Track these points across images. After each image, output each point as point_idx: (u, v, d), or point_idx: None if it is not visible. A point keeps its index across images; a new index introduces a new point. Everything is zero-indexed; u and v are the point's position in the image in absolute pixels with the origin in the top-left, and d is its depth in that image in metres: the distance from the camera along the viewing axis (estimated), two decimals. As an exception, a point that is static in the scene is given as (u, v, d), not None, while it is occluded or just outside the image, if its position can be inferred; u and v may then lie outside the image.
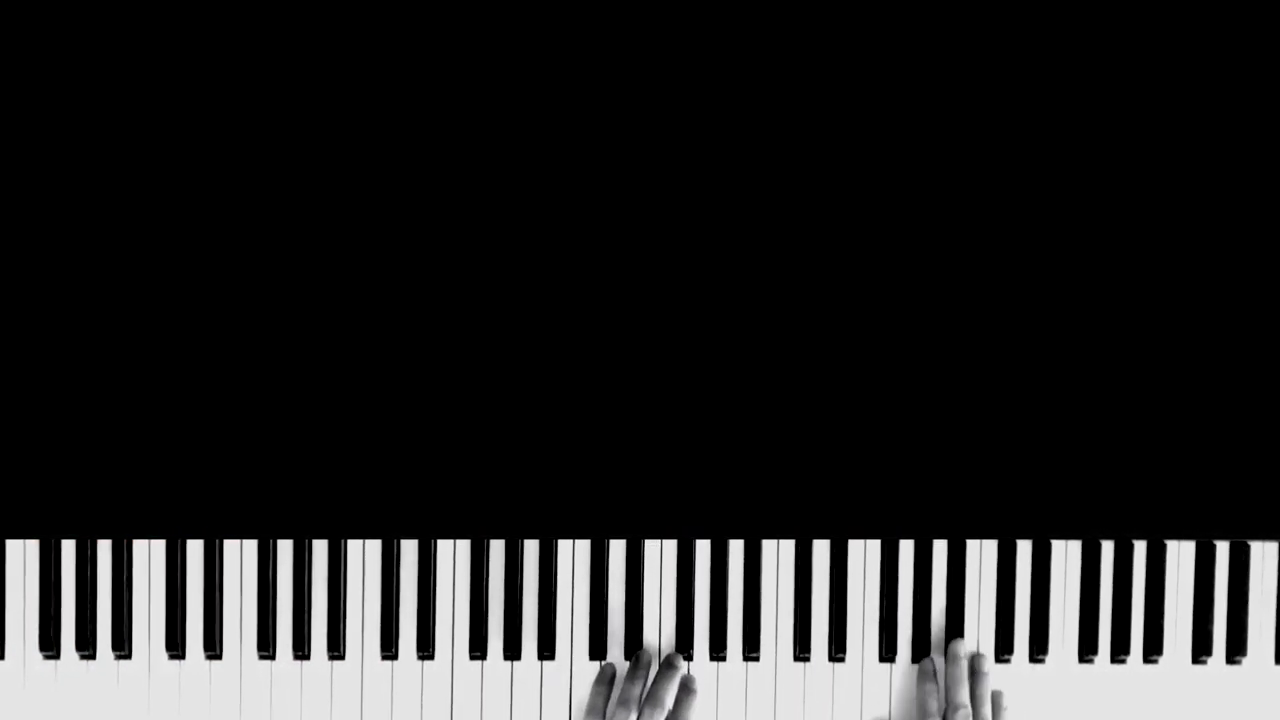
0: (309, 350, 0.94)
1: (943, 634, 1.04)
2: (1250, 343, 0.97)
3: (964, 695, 1.00)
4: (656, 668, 1.02)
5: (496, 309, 0.95)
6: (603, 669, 1.02)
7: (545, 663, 1.03)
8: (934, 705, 1.01)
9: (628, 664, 1.02)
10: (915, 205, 0.96)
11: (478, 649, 1.02)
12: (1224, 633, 1.05)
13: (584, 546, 1.03)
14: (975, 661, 1.02)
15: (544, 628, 1.02)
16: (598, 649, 1.02)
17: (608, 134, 0.95)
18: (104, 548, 1.01)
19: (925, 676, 1.02)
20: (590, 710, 0.99)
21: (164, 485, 0.94)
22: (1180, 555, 1.05)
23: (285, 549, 1.02)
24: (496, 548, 1.03)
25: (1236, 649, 1.05)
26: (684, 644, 1.03)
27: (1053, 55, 0.96)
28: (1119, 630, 1.05)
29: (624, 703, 0.98)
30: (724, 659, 1.03)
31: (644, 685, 1.00)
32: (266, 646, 1.01)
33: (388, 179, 0.94)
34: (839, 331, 0.96)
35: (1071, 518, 0.97)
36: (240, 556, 1.02)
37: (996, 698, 1.02)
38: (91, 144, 0.93)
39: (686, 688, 1.01)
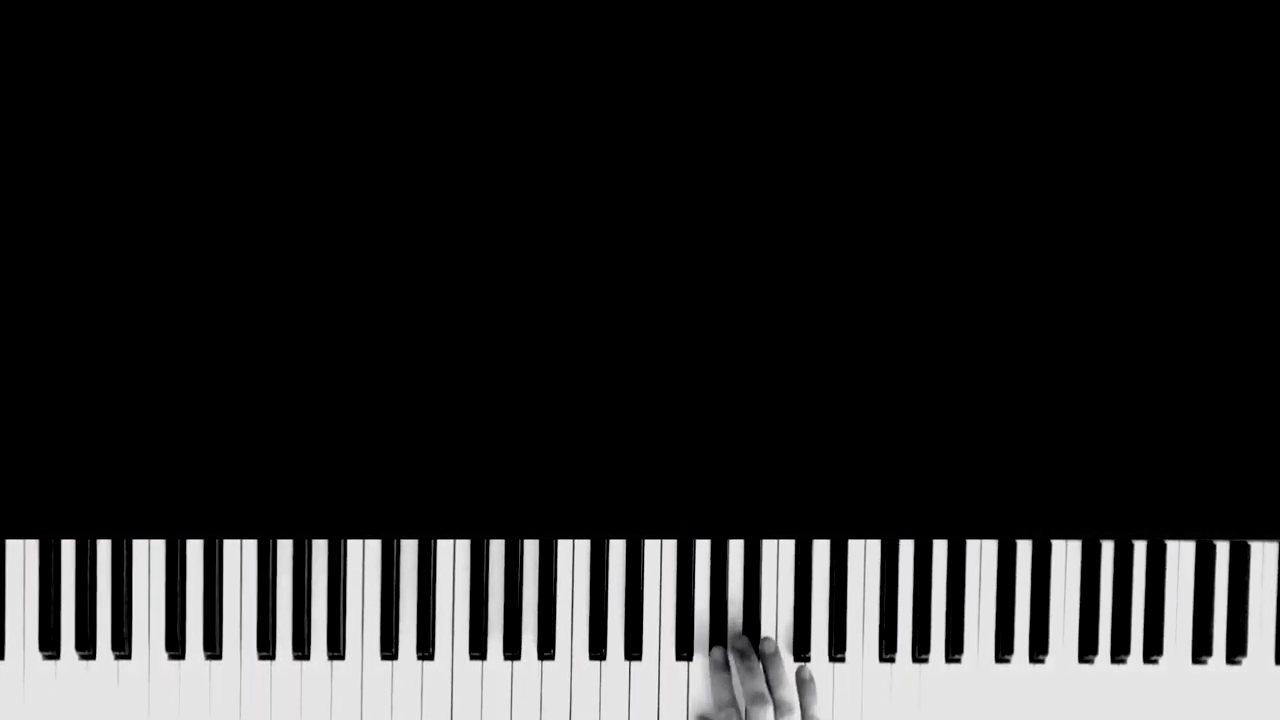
0: (309, 350, 0.94)
1: (944, 634, 1.04)
2: (1250, 343, 0.97)
3: (759, 684, 0.98)
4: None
5: (497, 310, 0.95)
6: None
7: (545, 663, 1.03)
8: (727, 695, 1.00)
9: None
10: (915, 205, 0.96)
11: (478, 649, 1.02)
12: (1224, 633, 1.05)
13: (584, 546, 1.03)
14: (763, 645, 1.01)
15: (544, 628, 1.02)
16: (598, 649, 1.02)
17: (610, 134, 0.95)
18: (104, 548, 1.01)
19: (717, 667, 1.01)
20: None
21: (164, 485, 0.94)
22: (1180, 555, 1.05)
23: (285, 549, 1.02)
24: (496, 548, 1.03)
25: (1237, 649, 1.05)
26: (684, 644, 1.03)
27: (1050, 55, 0.95)
28: (1119, 630, 1.05)
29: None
30: (724, 659, 1.03)
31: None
32: (266, 646, 1.01)
33: (388, 180, 0.94)
34: (839, 332, 0.96)
35: (1072, 518, 0.97)
36: (240, 556, 1.02)
37: (800, 672, 1.01)
38: (91, 144, 0.93)
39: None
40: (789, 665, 1.03)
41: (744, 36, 0.95)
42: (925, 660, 1.04)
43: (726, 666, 1.01)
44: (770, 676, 0.99)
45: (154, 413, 0.94)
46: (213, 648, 1.01)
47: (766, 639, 1.01)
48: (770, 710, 0.96)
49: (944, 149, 0.96)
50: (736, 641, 1.01)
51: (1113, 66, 0.96)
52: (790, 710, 0.97)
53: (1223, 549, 1.05)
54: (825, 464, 0.96)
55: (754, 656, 1.00)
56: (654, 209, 0.95)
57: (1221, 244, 0.97)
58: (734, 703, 0.99)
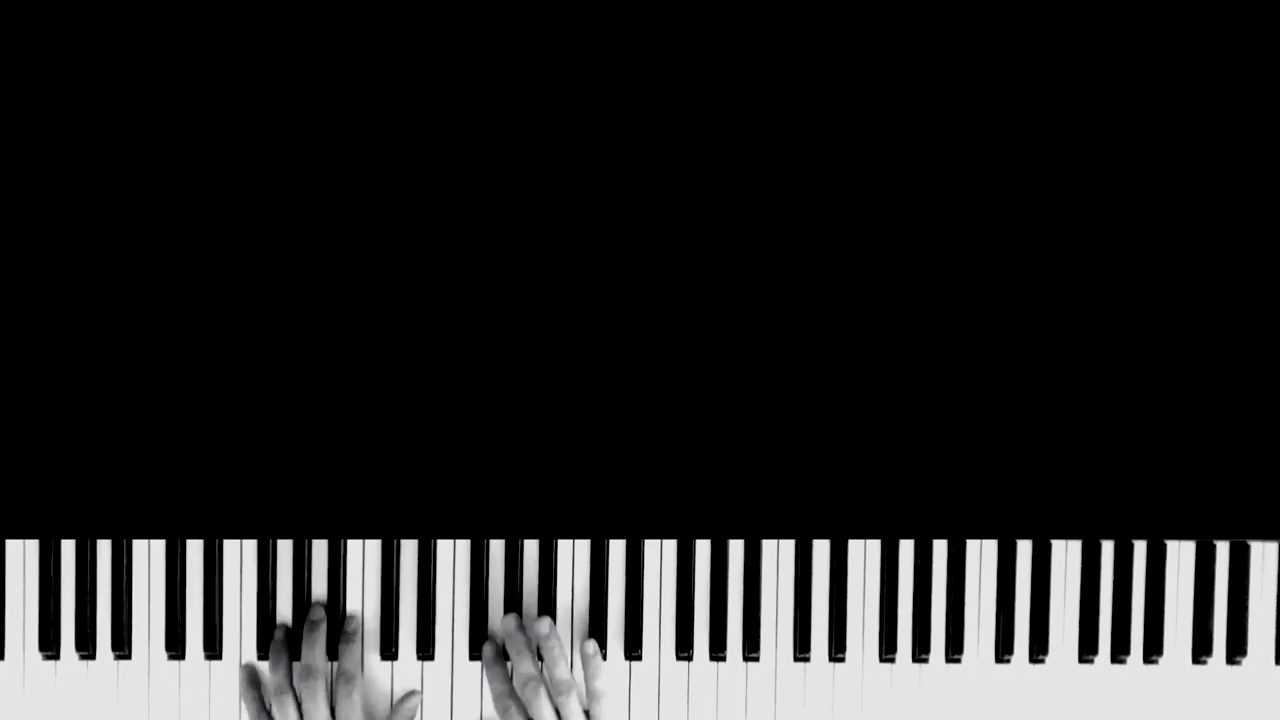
0: (309, 350, 0.94)
1: (944, 634, 1.04)
2: (1250, 343, 0.97)
3: (528, 665, 0.97)
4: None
5: (497, 309, 0.95)
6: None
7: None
8: (501, 686, 0.98)
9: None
10: (913, 203, 0.96)
11: (478, 649, 1.02)
12: (1224, 633, 1.05)
13: (584, 546, 1.03)
14: (537, 625, 0.98)
15: (544, 628, 1.02)
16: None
17: (612, 134, 0.95)
18: (104, 548, 1.01)
19: (490, 662, 0.99)
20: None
21: (164, 485, 0.94)
22: (1180, 555, 1.05)
23: (285, 549, 1.02)
24: (496, 548, 1.03)
25: (1237, 649, 1.05)
26: (684, 644, 1.03)
27: (1050, 55, 0.95)
28: (1119, 630, 1.05)
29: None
30: (724, 659, 1.03)
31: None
32: (267, 647, 1.01)
33: (386, 179, 0.94)
34: (839, 331, 0.96)
35: (1071, 518, 0.97)
36: (240, 556, 1.02)
37: (584, 646, 0.97)
38: (90, 143, 0.93)
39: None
40: (567, 642, 1.01)
41: (743, 36, 0.95)
42: (925, 660, 1.04)
43: (499, 660, 1.00)
44: (545, 658, 0.97)
45: (153, 412, 0.94)
46: (213, 648, 1.01)
47: (542, 619, 0.98)
48: (542, 691, 0.95)
49: (943, 149, 0.96)
50: (505, 623, 0.99)
51: (1112, 66, 0.96)
52: (567, 689, 0.95)
53: (1223, 549, 1.05)
54: (825, 464, 0.96)
55: (520, 636, 0.98)
56: (653, 209, 0.95)
57: (1221, 244, 0.97)
58: (511, 693, 0.97)
